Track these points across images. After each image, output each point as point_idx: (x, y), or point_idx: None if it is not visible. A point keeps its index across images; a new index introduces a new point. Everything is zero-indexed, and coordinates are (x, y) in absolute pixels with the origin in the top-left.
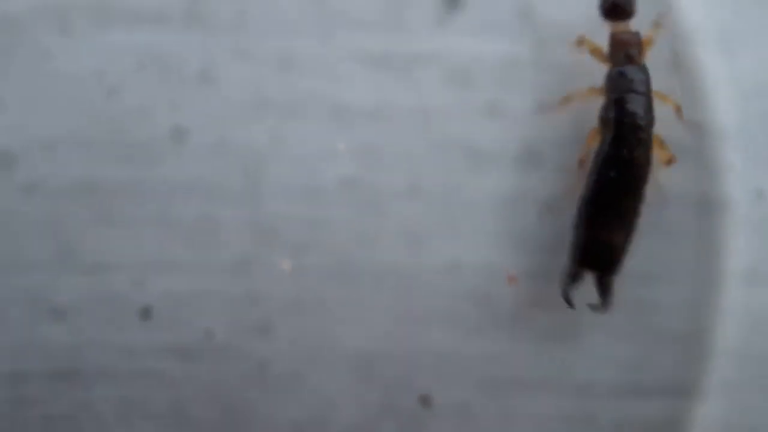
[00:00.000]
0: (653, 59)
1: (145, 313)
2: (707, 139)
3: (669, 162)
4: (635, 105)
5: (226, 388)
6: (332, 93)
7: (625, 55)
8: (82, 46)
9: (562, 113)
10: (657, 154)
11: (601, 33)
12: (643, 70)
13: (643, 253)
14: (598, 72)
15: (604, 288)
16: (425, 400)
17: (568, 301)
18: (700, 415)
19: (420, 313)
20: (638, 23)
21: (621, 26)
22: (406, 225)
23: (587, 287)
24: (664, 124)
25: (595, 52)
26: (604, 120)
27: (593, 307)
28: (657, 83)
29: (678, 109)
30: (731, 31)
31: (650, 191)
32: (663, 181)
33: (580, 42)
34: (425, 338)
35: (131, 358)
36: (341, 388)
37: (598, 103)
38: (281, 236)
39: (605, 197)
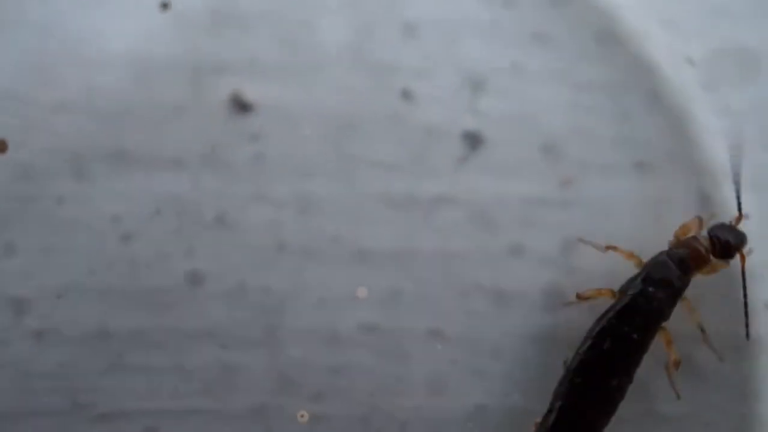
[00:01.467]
0: None
1: None
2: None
3: (676, 364)
4: (665, 296)
5: None
6: (353, 236)
7: (681, 264)
8: (98, 191)
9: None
10: (666, 353)
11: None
12: (684, 280)
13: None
14: None
15: None
16: None
17: None
18: None
19: None
20: None
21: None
22: (429, 371)
23: None
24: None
25: (630, 257)
26: (625, 288)
27: None
28: None
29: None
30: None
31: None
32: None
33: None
34: None
35: None
36: None
37: None
38: (300, 384)
39: (594, 368)
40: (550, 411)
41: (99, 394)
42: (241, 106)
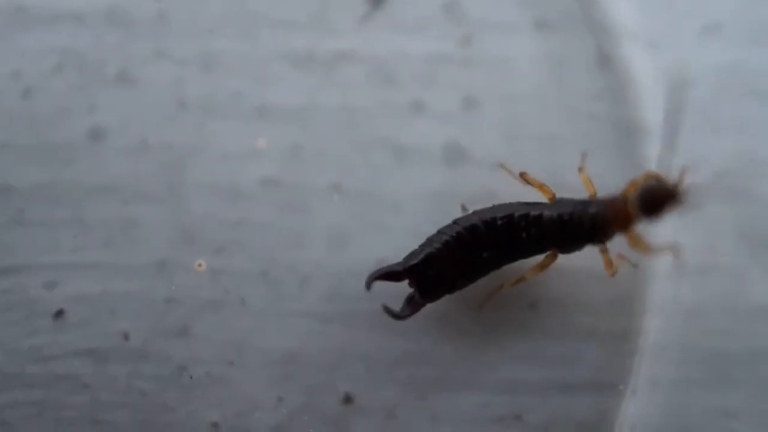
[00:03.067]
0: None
1: (59, 316)
2: (636, 135)
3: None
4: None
5: (143, 391)
6: (254, 93)
7: (613, 230)
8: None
9: None
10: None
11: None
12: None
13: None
14: None
15: (414, 305)
16: (348, 400)
17: (368, 286)
18: (629, 412)
19: (344, 313)
20: None
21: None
22: (330, 225)
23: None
24: None
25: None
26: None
27: (389, 312)
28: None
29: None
30: (657, 26)
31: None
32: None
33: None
34: (349, 339)
35: (44, 362)
36: (262, 389)
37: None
38: (201, 237)
39: (477, 237)
40: (417, 252)
41: None
42: None
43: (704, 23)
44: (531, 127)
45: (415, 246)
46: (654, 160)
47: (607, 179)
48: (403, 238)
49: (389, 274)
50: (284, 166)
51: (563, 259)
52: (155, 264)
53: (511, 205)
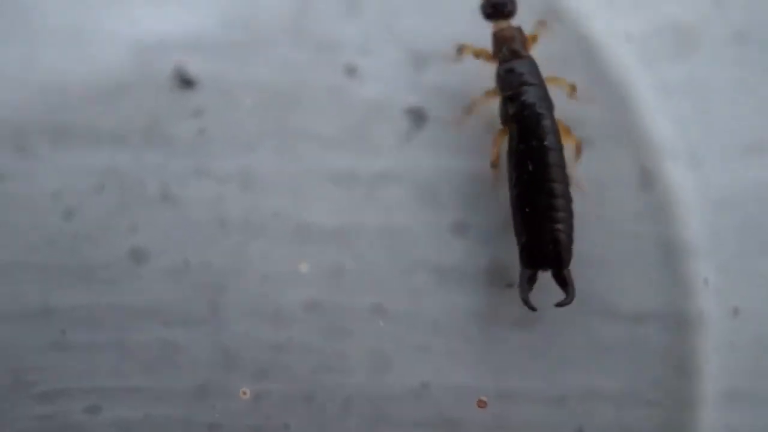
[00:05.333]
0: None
1: None
2: (680, 255)
3: (578, 146)
4: (530, 96)
5: None
6: (295, 212)
7: (509, 50)
8: (40, 167)
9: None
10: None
11: None
12: (530, 61)
13: (617, 373)
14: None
15: (563, 281)
16: None
17: (529, 305)
18: None
19: None
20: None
21: (502, 24)
22: (372, 348)
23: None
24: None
25: (479, 53)
26: (505, 118)
27: (560, 304)
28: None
29: (572, 89)
30: (700, 146)
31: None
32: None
33: (461, 49)
34: None
35: None
36: None
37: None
38: (243, 361)
39: (531, 192)
40: (521, 251)
41: (41, 372)
42: (183, 81)
43: (747, 141)
44: (574, 246)
45: (458, 369)
46: (699, 278)
47: (651, 299)
48: (445, 360)
49: (528, 280)
50: (325, 287)
51: (609, 381)
52: (197, 389)
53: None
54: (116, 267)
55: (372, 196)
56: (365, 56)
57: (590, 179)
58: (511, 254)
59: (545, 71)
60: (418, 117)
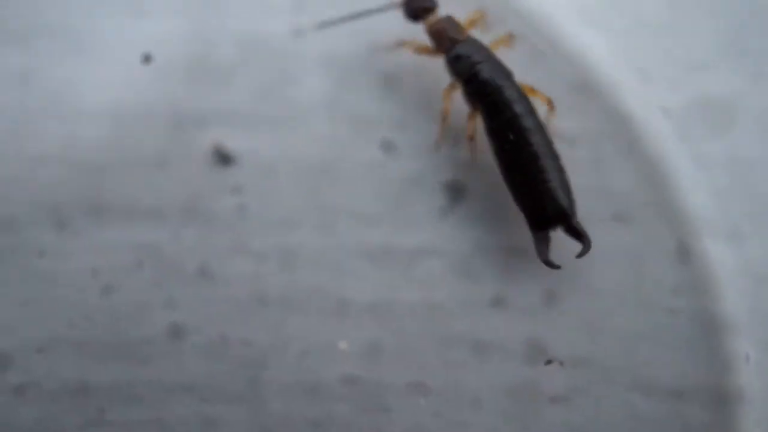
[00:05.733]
0: None
1: None
2: (720, 330)
3: (549, 102)
4: (485, 72)
5: None
6: (334, 287)
7: (448, 39)
8: (78, 244)
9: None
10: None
11: None
12: (471, 41)
13: None
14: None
15: (576, 233)
16: None
17: (550, 264)
18: None
19: None
20: None
21: (431, 20)
22: (411, 424)
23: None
24: None
25: (421, 50)
26: (471, 102)
27: (579, 255)
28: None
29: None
30: (739, 220)
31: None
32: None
33: (402, 44)
34: None
35: None
36: None
37: None
38: None
39: (517, 160)
40: (527, 218)
41: None
42: (221, 157)
43: None
44: (612, 321)
45: None
46: (739, 354)
47: (690, 374)
48: None
49: (542, 241)
50: (364, 363)
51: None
52: None
53: None
54: (155, 343)
55: (410, 271)
56: (402, 131)
57: (627, 253)
58: (548, 330)
59: (581, 142)
60: (455, 191)
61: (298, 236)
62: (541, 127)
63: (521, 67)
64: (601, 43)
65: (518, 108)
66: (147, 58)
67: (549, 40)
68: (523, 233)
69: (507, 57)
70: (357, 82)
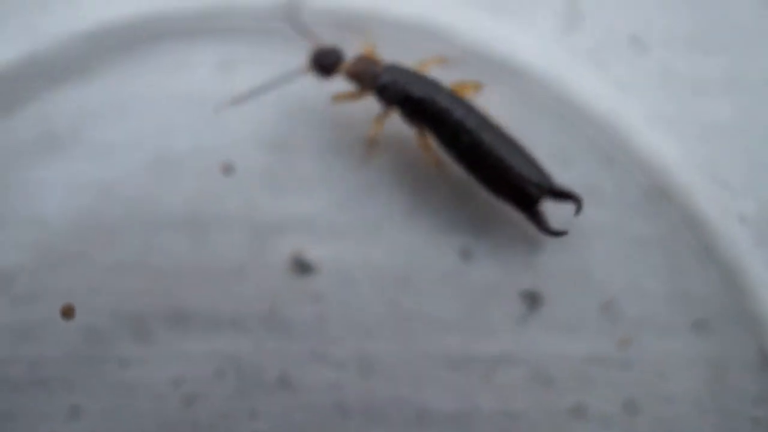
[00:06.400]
0: None
1: None
2: None
3: (476, 87)
4: (415, 91)
5: None
6: (414, 397)
7: (369, 75)
8: (159, 353)
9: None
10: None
11: None
12: (388, 67)
13: None
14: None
15: (561, 194)
16: None
17: (554, 232)
18: None
19: None
20: None
21: (343, 66)
22: None
23: None
24: None
25: (352, 96)
26: (413, 122)
27: (577, 212)
28: None
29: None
30: None
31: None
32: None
33: (335, 98)
34: None
35: None
36: None
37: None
38: None
39: (480, 158)
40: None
41: None
42: (301, 266)
43: None
44: (692, 431)
45: None
46: None
47: None
48: None
49: (536, 217)
50: None
51: None
52: None
53: None
54: None
55: (489, 379)
56: (478, 238)
57: (707, 360)
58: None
59: (657, 247)
60: (533, 299)
61: (377, 344)
62: (486, 120)
63: (596, 172)
64: (673, 147)
65: (459, 112)
66: (227, 168)
67: (621, 145)
68: (602, 340)
69: (579, 162)
70: (434, 190)
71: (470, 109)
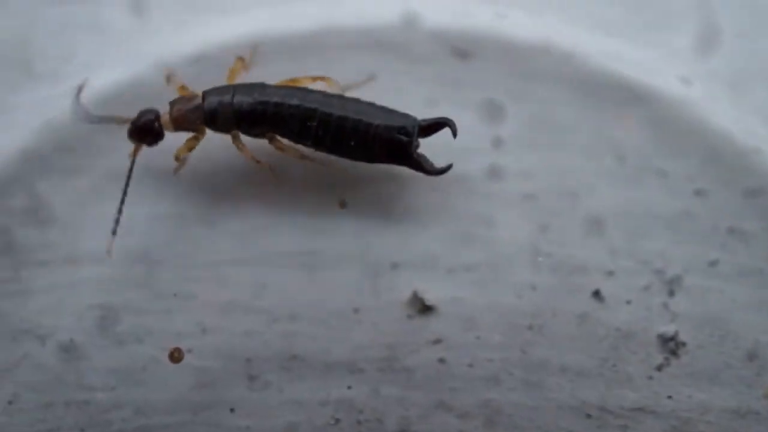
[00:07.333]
0: None
1: None
2: None
3: (317, 79)
4: (245, 104)
5: None
6: None
7: (192, 112)
8: (271, 399)
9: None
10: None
11: None
12: (203, 94)
13: None
14: None
15: (434, 126)
16: None
17: (439, 170)
18: None
19: None
20: None
21: (164, 119)
22: None
23: None
24: None
25: (194, 141)
26: (258, 133)
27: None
28: None
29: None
30: None
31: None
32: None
33: (180, 154)
34: None
35: None
36: None
37: None
38: None
39: (339, 132)
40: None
41: None
42: (420, 307)
43: None
44: None
45: None
46: None
47: None
48: None
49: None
50: None
51: None
52: None
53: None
54: None
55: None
56: (610, 280)
57: None
58: None
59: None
60: (671, 345)
61: (503, 393)
62: (325, 94)
63: (737, 206)
64: None
65: (294, 100)
66: (342, 204)
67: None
68: (748, 392)
69: (716, 194)
70: (560, 227)
71: (307, 91)
